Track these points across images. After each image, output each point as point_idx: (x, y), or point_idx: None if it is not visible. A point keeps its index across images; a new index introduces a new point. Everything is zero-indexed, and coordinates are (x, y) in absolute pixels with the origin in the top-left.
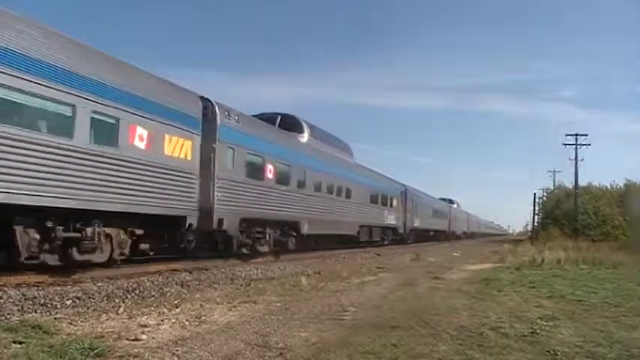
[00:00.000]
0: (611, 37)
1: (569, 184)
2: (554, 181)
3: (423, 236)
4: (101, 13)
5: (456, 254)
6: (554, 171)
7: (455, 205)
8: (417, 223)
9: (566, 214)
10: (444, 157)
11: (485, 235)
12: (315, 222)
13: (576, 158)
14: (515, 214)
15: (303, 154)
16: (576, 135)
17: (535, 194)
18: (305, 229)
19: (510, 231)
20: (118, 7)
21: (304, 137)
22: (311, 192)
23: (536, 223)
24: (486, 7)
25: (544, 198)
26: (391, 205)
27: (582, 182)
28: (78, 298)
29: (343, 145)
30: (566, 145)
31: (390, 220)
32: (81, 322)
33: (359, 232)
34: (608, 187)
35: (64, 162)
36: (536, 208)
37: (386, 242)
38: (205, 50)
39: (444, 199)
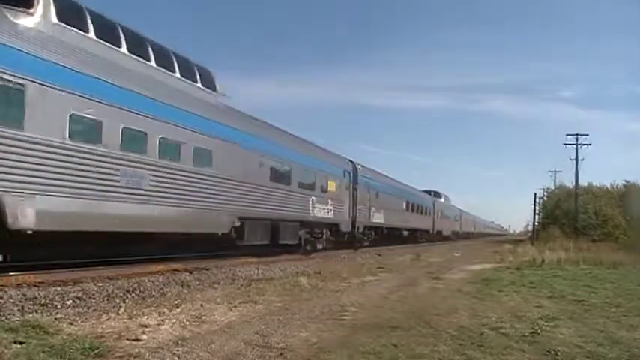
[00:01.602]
0: (611, 37)
1: (569, 184)
2: (554, 181)
3: (392, 237)
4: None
5: (456, 254)
6: (555, 171)
7: (442, 200)
8: (377, 219)
9: (566, 214)
10: (444, 157)
11: (483, 236)
12: (66, 207)
13: (577, 158)
14: (516, 214)
15: (9, 47)
16: (577, 135)
17: (535, 194)
18: (25, 220)
19: (511, 231)
20: (117, 8)
21: (32, 17)
22: (50, 137)
23: (536, 223)
24: (486, 7)
25: (544, 198)
26: (324, 191)
27: (582, 182)
28: (78, 298)
29: (188, 67)
30: (566, 145)
31: (323, 212)
32: (81, 322)
33: (238, 230)
34: (608, 187)
35: None
36: (537, 208)
37: (319, 246)
38: (205, 50)
39: (428, 192)
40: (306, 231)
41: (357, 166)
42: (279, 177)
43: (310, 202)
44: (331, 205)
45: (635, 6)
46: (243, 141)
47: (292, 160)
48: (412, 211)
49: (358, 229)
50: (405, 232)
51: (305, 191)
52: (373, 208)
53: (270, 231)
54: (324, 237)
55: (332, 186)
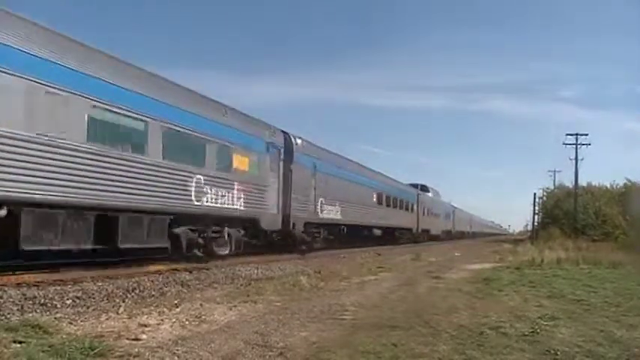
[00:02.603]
0: (611, 37)
1: (569, 183)
2: (554, 181)
3: (358, 237)
4: (101, 13)
5: (456, 254)
6: (555, 171)
7: (430, 194)
8: (329, 214)
9: (566, 214)
10: (444, 157)
11: (481, 235)
12: None
13: (576, 158)
14: (516, 214)
15: None
16: (576, 135)
17: (535, 194)
18: None
19: (510, 231)
20: (117, 7)
21: None
22: None
23: (536, 223)
24: (486, 7)
25: (544, 198)
26: (226, 169)
27: (582, 182)
28: (78, 298)
29: None
30: (566, 144)
31: (222, 200)
32: (81, 321)
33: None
34: (608, 186)
35: None
36: (537, 207)
37: (223, 251)
38: (205, 50)
39: (414, 186)
40: (191, 229)
41: (293, 139)
42: (117, 137)
43: (193, 184)
44: (241, 191)
45: (635, 6)
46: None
47: (151, 115)
48: (387, 205)
49: (294, 226)
50: (378, 231)
51: (181, 166)
52: (322, 199)
53: (93, 228)
54: (227, 237)
55: (242, 163)
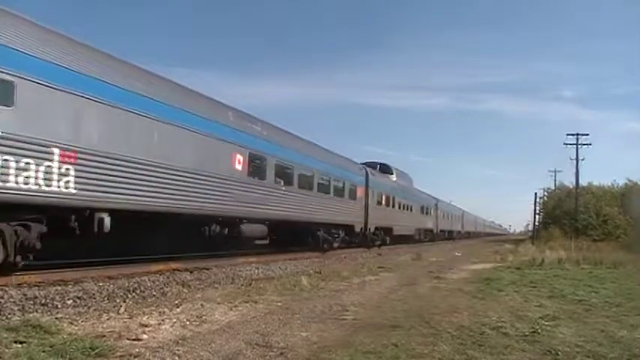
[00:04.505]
0: (611, 37)
1: (569, 183)
2: (554, 181)
3: (175, 239)
4: (101, 12)
5: (457, 254)
6: (555, 171)
7: (392, 177)
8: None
9: (567, 214)
10: (445, 158)
11: (478, 236)
12: None
13: (577, 158)
14: (517, 214)
15: None
16: (577, 135)
17: (536, 194)
18: None
19: (511, 231)
20: (118, 7)
21: None
22: None
23: (537, 223)
24: (486, 7)
25: (545, 198)
26: None
27: (583, 182)
28: (79, 298)
29: None
30: (567, 144)
31: None
32: (82, 321)
33: None
34: (609, 186)
35: None
36: (537, 207)
37: None
38: (205, 50)
39: (372, 166)
40: None
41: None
42: None
43: None
44: None
45: (634, 6)
46: None
47: None
48: (289, 183)
49: None
50: (259, 228)
51: None
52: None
53: None
54: None
55: None
